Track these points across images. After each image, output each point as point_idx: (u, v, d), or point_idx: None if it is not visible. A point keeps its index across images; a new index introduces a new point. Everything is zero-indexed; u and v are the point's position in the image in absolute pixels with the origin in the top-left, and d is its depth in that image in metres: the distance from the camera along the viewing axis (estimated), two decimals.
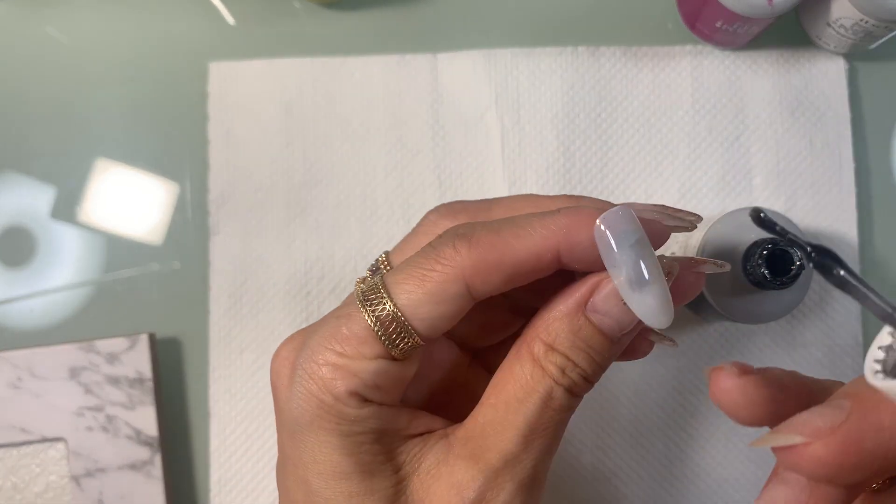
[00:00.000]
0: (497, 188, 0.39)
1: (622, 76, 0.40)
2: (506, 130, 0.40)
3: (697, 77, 0.40)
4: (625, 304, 0.22)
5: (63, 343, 0.37)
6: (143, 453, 0.37)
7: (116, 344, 0.37)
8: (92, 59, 0.41)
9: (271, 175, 0.40)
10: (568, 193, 0.39)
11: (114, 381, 0.37)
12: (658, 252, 0.22)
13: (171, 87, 0.41)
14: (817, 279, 0.38)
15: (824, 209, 0.39)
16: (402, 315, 0.22)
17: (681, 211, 0.24)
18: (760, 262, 0.31)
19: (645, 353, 0.26)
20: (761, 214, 0.22)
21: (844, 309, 0.38)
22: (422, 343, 0.23)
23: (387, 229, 0.39)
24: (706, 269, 0.24)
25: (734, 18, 0.36)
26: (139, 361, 0.37)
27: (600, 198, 0.39)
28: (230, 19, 0.41)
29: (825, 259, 0.20)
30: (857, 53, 0.40)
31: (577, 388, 0.23)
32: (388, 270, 0.25)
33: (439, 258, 0.22)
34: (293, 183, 0.39)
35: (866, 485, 0.19)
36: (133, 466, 0.37)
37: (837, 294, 0.38)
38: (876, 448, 0.18)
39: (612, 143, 0.40)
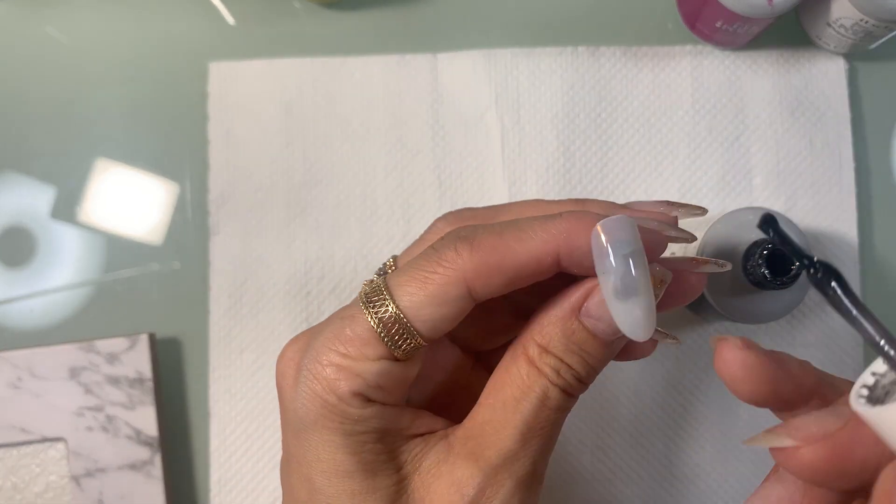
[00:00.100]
0: (497, 188, 0.39)
1: (622, 76, 0.40)
2: (506, 130, 0.40)
3: (697, 77, 0.40)
4: None
5: (63, 343, 0.37)
6: (143, 453, 0.37)
7: (116, 344, 0.37)
8: (92, 59, 0.41)
9: (271, 175, 0.40)
10: (569, 195, 0.39)
11: (114, 381, 0.37)
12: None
13: (171, 87, 0.41)
14: None
15: (824, 209, 0.39)
16: (405, 316, 0.22)
17: (686, 205, 0.25)
18: (760, 262, 0.31)
19: (648, 353, 0.26)
20: (769, 227, 0.22)
21: None
22: (424, 344, 0.23)
23: (387, 229, 0.39)
24: (707, 269, 0.25)
25: (734, 18, 0.36)
26: (139, 361, 0.37)
27: (600, 198, 0.39)
28: (230, 19, 0.41)
29: (825, 276, 0.20)
30: (857, 53, 0.40)
31: (571, 389, 0.23)
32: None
33: (441, 260, 0.22)
34: (293, 183, 0.39)
35: (863, 491, 0.19)
36: (133, 466, 0.37)
37: None
38: (866, 459, 0.18)
39: (612, 143, 0.40)
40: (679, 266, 0.24)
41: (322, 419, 0.23)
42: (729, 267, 0.25)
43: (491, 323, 0.27)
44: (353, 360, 0.23)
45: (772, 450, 0.20)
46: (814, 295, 0.38)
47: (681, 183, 0.39)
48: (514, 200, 0.39)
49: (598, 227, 0.21)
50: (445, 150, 0.40)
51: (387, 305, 0.22)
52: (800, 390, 0.21)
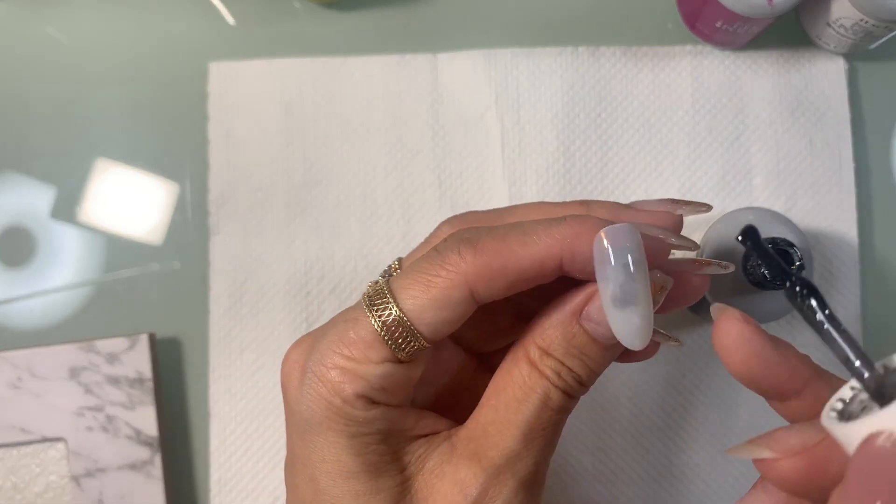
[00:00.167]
0: (497, 188, 0.39)
1: (622, 76, 0.40)
2: (506, 130, 0.40)
3: (697, 77, 0.40)
4: None
5: (63, 343, 0.37)
6: (143, 453, 0.37)
7: (116, 344, 0.37)
8: (92, 59, 0.41)
9: (271, 175, 0.40)
10: (569, 195, 0.39)
11: (114, 381, 0.37)
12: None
13: (171, 87, 0.41)
14: (817, 279, 0.38)
15: (824, 209, 0.39)
16: (408, 319, 0.22)
17: (690, 202, 0.25)
18: (760, 262, 0.31)
19: (650, 355, 0.26)
20: (749, 240, 0.22)
21: (844, 309, 0.38)
22: (427, 346, 0.23)
23: (387, 229, 0.39)
24: (710, 270, 0.25)
25: (734, 18, 0.36)
26: (139, 361, 0.37)
27: (601, 198, 0.39)
28: (230, 19, 0.41)
29: (803, 294, 0.20)
30: (857, 53, 0.40)
31: (572, 391, 0.24)
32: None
33: (444, 264, 0.22)
34: (293, 183, 0.39)
35: None
36: (133, 466, 0.37)
37: (837, 294, 0.38)
38: (840, 474, 0.18)
39: (612, 143, 0.40)
40: (681, 268, 0.24)
41: (327, 421, 0.23)
42: (732, 269, 0.25)
43: (493, 324, 0.27)
44: (357, 363, 0.23)
45: (754, 460, 0.20)
46: None
47: (681, 183, 0.39)
48: (514, 200, 0.39)
49: (601, 234, 0.22)
50: (445, 150, 0.40)
51: (390, 308, 0.22)
52: (793, 379, 0.21)
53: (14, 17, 0.41)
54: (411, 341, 0.23)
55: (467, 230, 0.23)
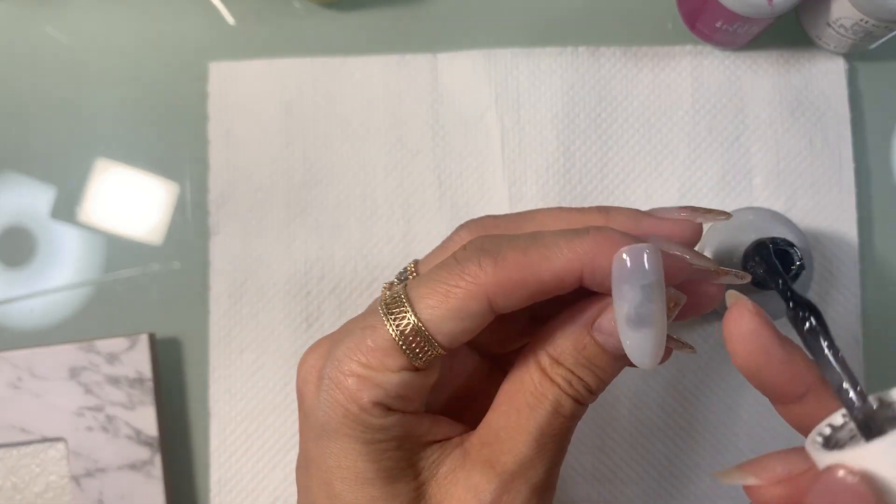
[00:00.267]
0: (497, 188, 0.39)
1: (622, 76, 0.40)
2: (506, 130, 0.40)
3: (697, 77, 0.40)
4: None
5: (63, 343, 0.37)
6: (143, 453, 0.37)
7: (116, 344, 0.37)
8: (92, 59, 0.41)
9: (271, 175, 0.40)
10: (569, 194, 0.39)
11: (114, 381, 0.37)
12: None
13: (171, 87, 0.41)
14: (817, 279, 0.38)
15: (824, 209, 0.39)
16: (426, 329, 0.22)
17: (710, 210, 0.25)
18: (760, 262, 0.31)
19: (662, 362, 0.26)
20: (759, 256, 0.22)
21: (844, 309, 0.38)
22: (443, 353, 0.23)
23: (387, 229, 0.39)
24: (726, 280, 0.24)
25: (734, 18, 0.36)
26: (139, 361, 0.37)
27: (600, 198, 0.39)
28: (230, 19, 0.41)
29: (806, 317, 0.21)
30: (857, 53, 0.40)
31: (582, 399, 0.24)
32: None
33: (463, 274, 0.22)
34: (293, 183, 0.39)
35: None
36: (133, 466, 0.37)
37: (837, 294, 0.38)
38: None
39: (612, 143, 0.40)
40: (697, 277, 0.24)
41: (343, 427, 0.23)
42: (748, 279, 0.25)
43: (507, 328, 0.27)
44: (374, 371, 0.23)
45: (743, 485, 0.21)
46: (814, 295, 0.38)
47: (681, 183, 0.39)
48: (514, 200, 0.39)
49: (623, 253, 0.21)
50: (445, 150, 0.40)
51: (408, 317, 0.22)
52: (795, 382, 0.21)
53: (14, 16, 0.41)
54: (428, 350, 0.23)
55: (487, 239, 0.23)
